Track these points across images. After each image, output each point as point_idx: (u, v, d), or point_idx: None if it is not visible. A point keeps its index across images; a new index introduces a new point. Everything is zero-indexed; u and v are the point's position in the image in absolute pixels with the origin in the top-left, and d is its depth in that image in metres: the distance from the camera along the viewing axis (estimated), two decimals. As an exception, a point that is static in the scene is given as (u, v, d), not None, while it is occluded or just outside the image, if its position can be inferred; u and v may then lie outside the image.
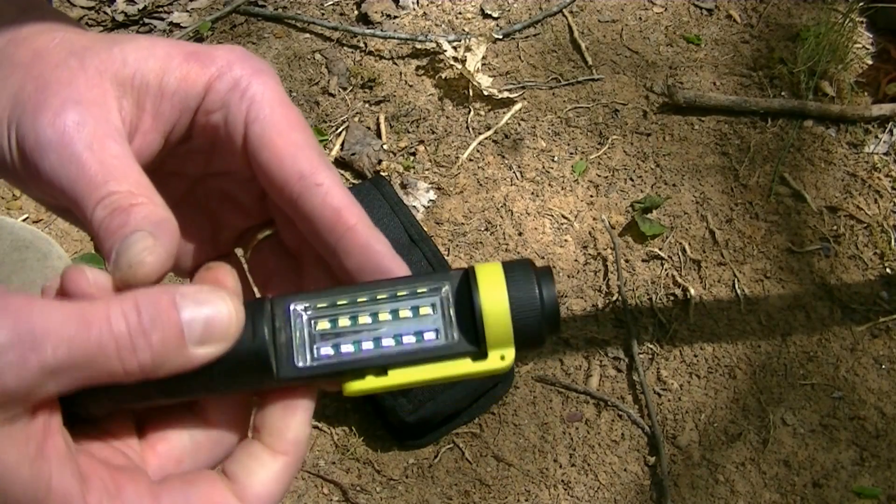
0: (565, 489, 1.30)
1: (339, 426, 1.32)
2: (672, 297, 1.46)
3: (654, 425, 1.33)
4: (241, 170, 0.44)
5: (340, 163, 1.57)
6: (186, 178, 0.47)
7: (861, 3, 1.76)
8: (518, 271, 0.42)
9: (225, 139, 0.43)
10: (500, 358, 0.41)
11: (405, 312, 0.42)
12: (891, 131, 1.65)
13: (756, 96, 1.68)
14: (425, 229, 1.45)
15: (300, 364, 0.40)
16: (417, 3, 1.77)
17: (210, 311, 0.37)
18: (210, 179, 0.47)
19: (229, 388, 0.40)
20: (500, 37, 1.71)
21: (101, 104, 0.41)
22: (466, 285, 0.42)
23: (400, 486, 1.29)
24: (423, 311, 0.42)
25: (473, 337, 0.42)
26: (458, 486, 1.29)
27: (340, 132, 1.61)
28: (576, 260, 1.49)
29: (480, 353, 0.42)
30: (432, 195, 1.53)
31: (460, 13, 1.77)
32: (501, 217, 1.52)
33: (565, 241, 1.50)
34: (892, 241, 1.53)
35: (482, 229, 1.50)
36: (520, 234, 1.50)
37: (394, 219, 1.42)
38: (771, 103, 1.64)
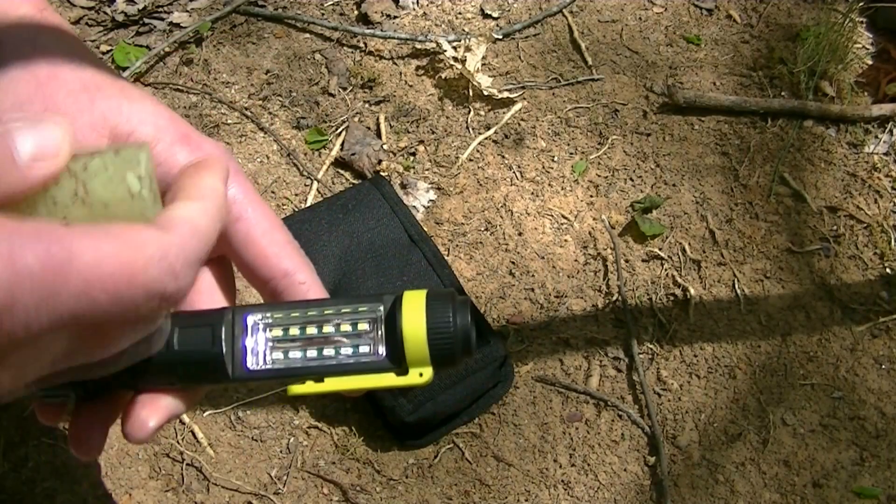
0: (565, 489, 1.30)
1: (339, 426, 1.32)
2: (672, 297, 1.46)
3: (654, 425, 1.33)
4: None
5: (340, 163, 1.57)
6: None
7: (861, 3, 1.76)
8: (438, 301, 0.48)
9: None
10: (418, 375, 0.48)
11: (346, 327, 0.48)
12: (891, 131, 1.65)
13: (756, 96, 1.67)
14: (425, 229, 1.45)
15: (251, 367, 0.47)
16: (417, 3, 1.77)
17: (41, 133, 0.39)
18: None
19: (190, 383, 0.47)
20: (500, 37, 1.71)
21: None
22: (396, 309, 0.48)
23: (400, 486, 1.29)
24: (360, 326, 0.48)
25: (398, 355, 0.48)
26: (458, 486, 1.29)
27: (340, 132, 1.61)
28: (576, 260, 1.49)
29: (402, 370, 0.48)
30: (432, 195, 1.53)
31: (460, 13, 1.77)
32: (501, 217, 1.52)
33: (565, 241, 1.50)
34: (892, 241, 1.53)
35: (482, 229, 1.50)
36: (520, 234, 1.50)
37: (394, 219, 1.42)
38: (771, 103, 1.64)
